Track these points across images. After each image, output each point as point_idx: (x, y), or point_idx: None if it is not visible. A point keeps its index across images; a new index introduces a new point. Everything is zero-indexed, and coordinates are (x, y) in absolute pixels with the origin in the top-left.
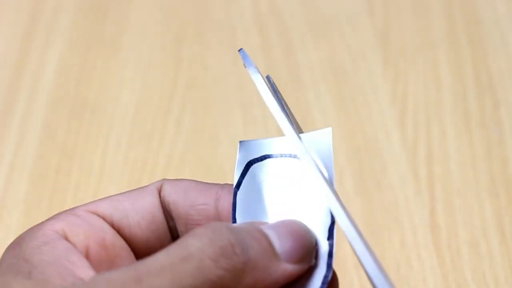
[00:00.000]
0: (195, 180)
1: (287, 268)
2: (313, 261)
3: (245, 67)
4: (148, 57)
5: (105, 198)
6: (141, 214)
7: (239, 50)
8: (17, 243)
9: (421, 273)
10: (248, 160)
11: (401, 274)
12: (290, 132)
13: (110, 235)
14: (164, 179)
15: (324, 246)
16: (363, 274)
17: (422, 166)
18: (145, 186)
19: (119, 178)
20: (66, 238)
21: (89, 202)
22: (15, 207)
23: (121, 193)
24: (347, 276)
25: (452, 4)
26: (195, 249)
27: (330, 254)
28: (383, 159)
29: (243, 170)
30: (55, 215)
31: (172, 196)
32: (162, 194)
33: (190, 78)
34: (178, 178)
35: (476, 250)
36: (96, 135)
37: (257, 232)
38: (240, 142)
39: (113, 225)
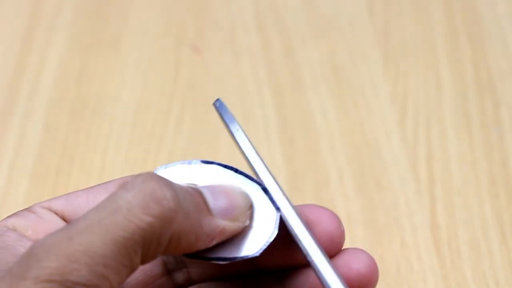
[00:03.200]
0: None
1: (220, 223)
2: (247, 221)
3: (221, 117)
4: (148, 57)
5: (63, 195)
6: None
7: (215, 101)
8: None
9: (421, 273)
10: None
11: (401, 274)
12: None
13: (59, 227)
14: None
15: (273, 214)
16: None
17: (422, 166)
18: (108, 182)
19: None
20: (15, 230)
21: (46, 200)
22: (15, 207)
23: (82, 189)
24: None
25: (452, 3)
26: (124, 201)
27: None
28: (383, 159)
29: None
30: (13, 213)
31: None
32: None
33: (190, 78)
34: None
35: (476, 250)
36: (96, 135)
37: (191, 188)
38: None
39: (64, 219)
